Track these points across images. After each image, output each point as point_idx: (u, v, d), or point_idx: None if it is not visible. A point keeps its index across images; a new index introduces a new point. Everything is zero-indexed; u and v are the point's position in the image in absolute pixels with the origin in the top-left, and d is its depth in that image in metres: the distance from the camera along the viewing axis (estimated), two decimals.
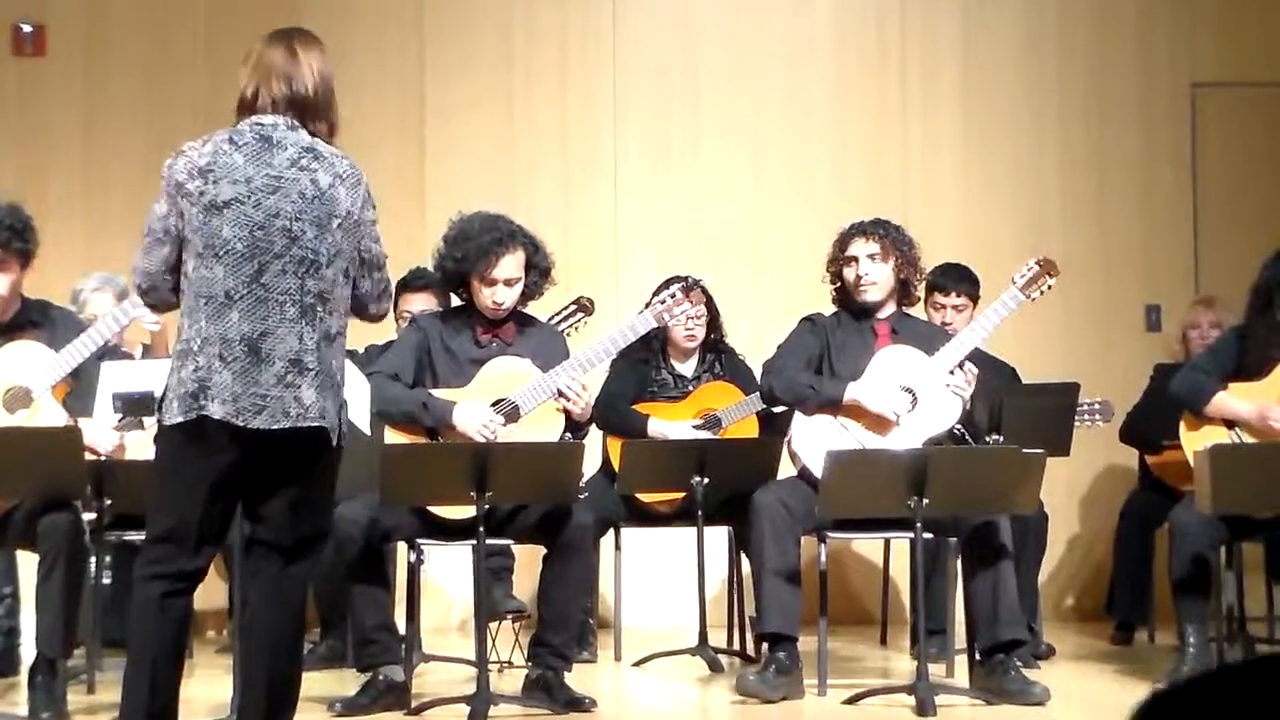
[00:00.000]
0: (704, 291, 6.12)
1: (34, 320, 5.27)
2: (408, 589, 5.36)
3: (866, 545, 7.33)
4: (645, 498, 6.15)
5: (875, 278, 5.52)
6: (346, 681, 5.43)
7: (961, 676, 5.48)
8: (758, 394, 5.98)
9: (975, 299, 6.42)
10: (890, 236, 5.53)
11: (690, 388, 6.41)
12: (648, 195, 7.74)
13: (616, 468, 5.99)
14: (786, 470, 5.68)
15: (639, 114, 7.76)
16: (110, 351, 5.58)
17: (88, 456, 5.05)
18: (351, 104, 7.34)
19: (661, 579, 7.11)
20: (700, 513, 5.86)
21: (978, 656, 5.27)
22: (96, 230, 7.40)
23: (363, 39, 7.64)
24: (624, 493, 6.07)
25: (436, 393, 5.22)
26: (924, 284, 5.85)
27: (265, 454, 3.79)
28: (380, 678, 5.05)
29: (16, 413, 5.14)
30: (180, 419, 3.75)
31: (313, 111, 3.88)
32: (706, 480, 5.78)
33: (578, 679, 5.20)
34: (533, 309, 5.50)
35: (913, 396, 5.40)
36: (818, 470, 5.14)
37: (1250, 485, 5.15)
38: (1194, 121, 7.81)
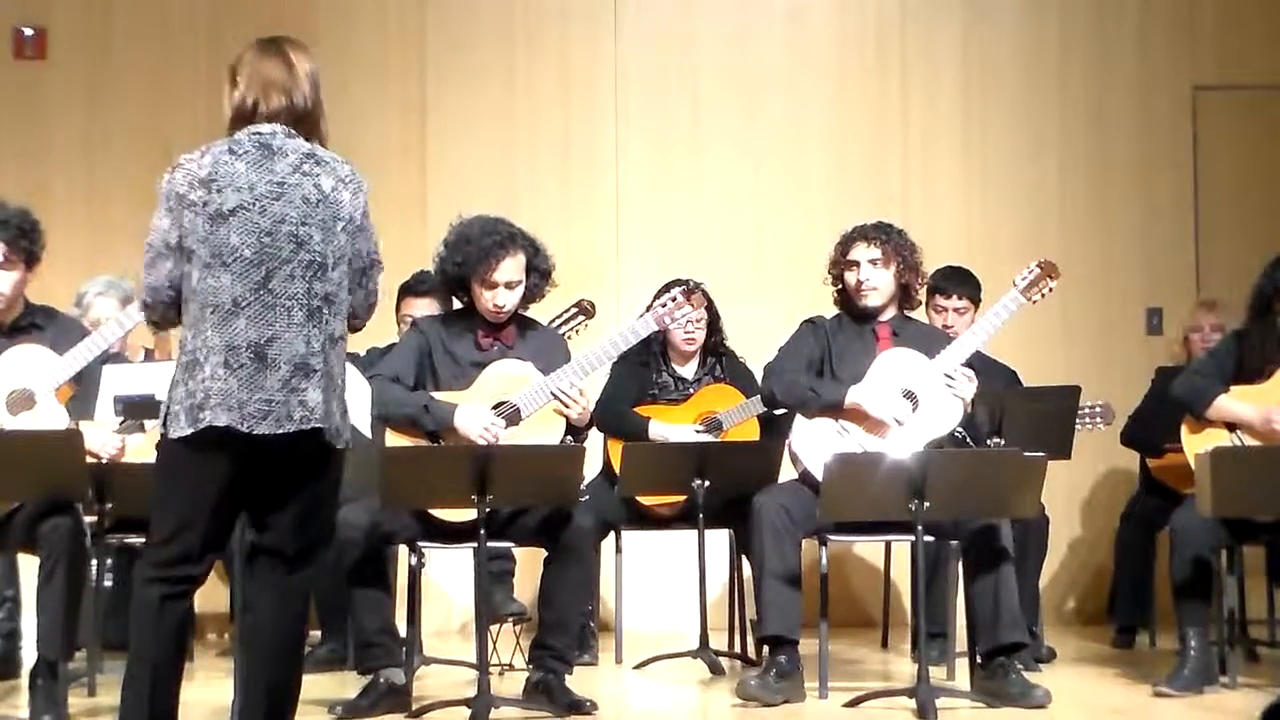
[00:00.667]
0: (705, 295, 6.12)
1: (37, 324, 5.30)
2: (409, 592, 5.36)
3: (867, 548, 7.34)
4: (646, 500, 6.15)
5: (876, 283, 5.52)
6: (347, 684, 5.43)
7: (962, 679, 5.48)
8: (758, 397, 5.98)
9: (976, 302, 6.43)
10: (892, 241, 5.53)
11: (691, 390, 6.41)
12: (648, 199, 7.75)
13: (617, 470, 5.99)
14: (787, 473, 5.68)
15: (640, 119, 7.77)
16: (112, 357, 5.59)
17: (89, 460, 5.06)
18: (354, 112, 7.46)
19: (662, 582, 7.11)
20: (701, 515, 5.86)
21: (979, 660, 5.27)
22: (98, 234, 7.41)
23: (365, 47, 7.67)
24: (625, 495, 6.07)
25: (438, 396, 5.23)
26: (925, 287, 5.85)
27: (270, 460, 3.79)
28: (381, 680, 5.05)
29: (19, 415, 5.15)
30: (188, 432, 3.75)
31: (309, 122, 3.89)
32: (707, 483, 5.79)
33: (578, 682, 5.20)
34: (534, 312, 5.51)
35: (914, 400, 5.40)
36: (818, 473, 5.14)
37: (1251, 488, 5.14)
38: (1195, 124, 7.82)
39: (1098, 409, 6.40)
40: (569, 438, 5.25)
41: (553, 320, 6.14)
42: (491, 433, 5.13)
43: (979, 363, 5.67)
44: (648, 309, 5.80)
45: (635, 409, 6.31)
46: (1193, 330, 6.88)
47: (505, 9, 7.80)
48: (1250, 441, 5.52)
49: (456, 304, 5.51)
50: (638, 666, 6.04)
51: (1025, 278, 5.60)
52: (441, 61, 7.74)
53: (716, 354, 6.48)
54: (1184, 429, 5.67)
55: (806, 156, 7.78)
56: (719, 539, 6.30)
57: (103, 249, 7.20)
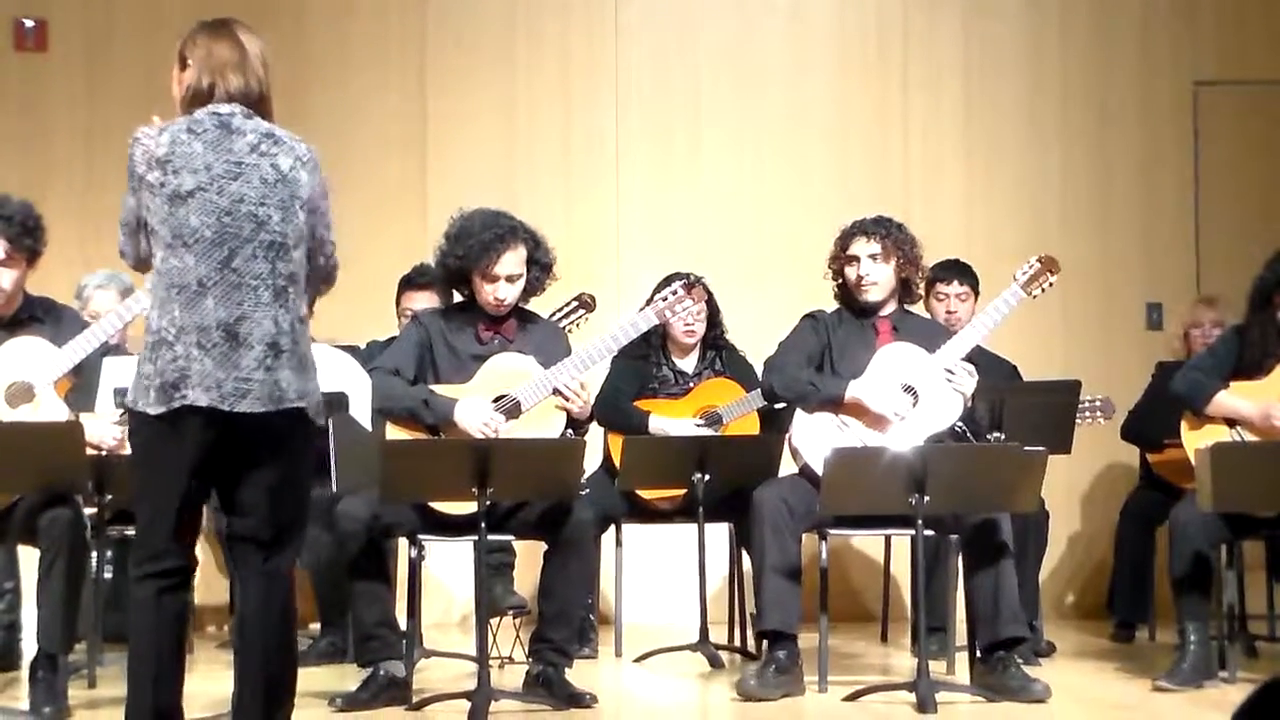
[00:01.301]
0: (705, 288, 6.12)
1: (37, 316, 5.31)
2: (409, 585, 5.36)
3: (867, 542, 7.35)
4: (646, 494, 6.15)
5: (876, 278, 5.52)
6: (347, 677, 5.44)
7: (962, 674, 5.49)
8: (758, 391, 5.98)
9: (976, 290, 6.45)
10: (892, 236, 5.53)
11: (691, 384, 6.41)
12: (649, 193, 7.75)
13: (617, 464, 5.99)
14: (787, 467, 5.68)
15: (640, 113, 7.77)
16: (112, 349, 5.60)
17: (89, 451, 5.06)
18: (354, 105, 7.46)
19: (662, 575, 7.11)
20: (701, 509, 5.87)
21: (978, 654, 5.28)
22: (98, 226, 7.38)
23: (365, 41, 7.65)
24: (625, 489, 6.08)
25: (438, 389, 5.22)
26: (924, 281, 5.86)
27: (245, 438, 3.78)
28: (381, 673, 5.05)
29: (19, 408, 5.16)
30: (161, 409, 3.73)
31: (262, 104, 3.91)
32: (707, 477, 5.79)
33: (578, 675, 5.21)
34: (534, 305, 5.50)
35: (914, 394, 5.41)
36: (819, 467, 5.14)
37: (1251, 483, 5.15)
38: (1196, 120, 7.81)
39: (1098, 404, 6.40)
40: (569, 431, 5.25)
41: (553, 314, 6.14)
42: (492, 426, 5.13)
43: (979, 357, 5.67)
44: (648, 303, 5.81)
45: (635, 403, 6.31)
46: (1193, 326, 6.88)
47: (506, 2, 7.79)
48: (1250, 437, 5.52)
49: (457, 297, 5.51)
50: (638, 660, 6.04)
51: (1025, 272, 5.60)
52: (442, 55, 7.73)
53: (717, 348, 6.48)
54: (1184, 424, 5.68)
55: (807, 151, 7.78)
56: (719, 533, 6.30)
57: (103, 241, 7.19)
